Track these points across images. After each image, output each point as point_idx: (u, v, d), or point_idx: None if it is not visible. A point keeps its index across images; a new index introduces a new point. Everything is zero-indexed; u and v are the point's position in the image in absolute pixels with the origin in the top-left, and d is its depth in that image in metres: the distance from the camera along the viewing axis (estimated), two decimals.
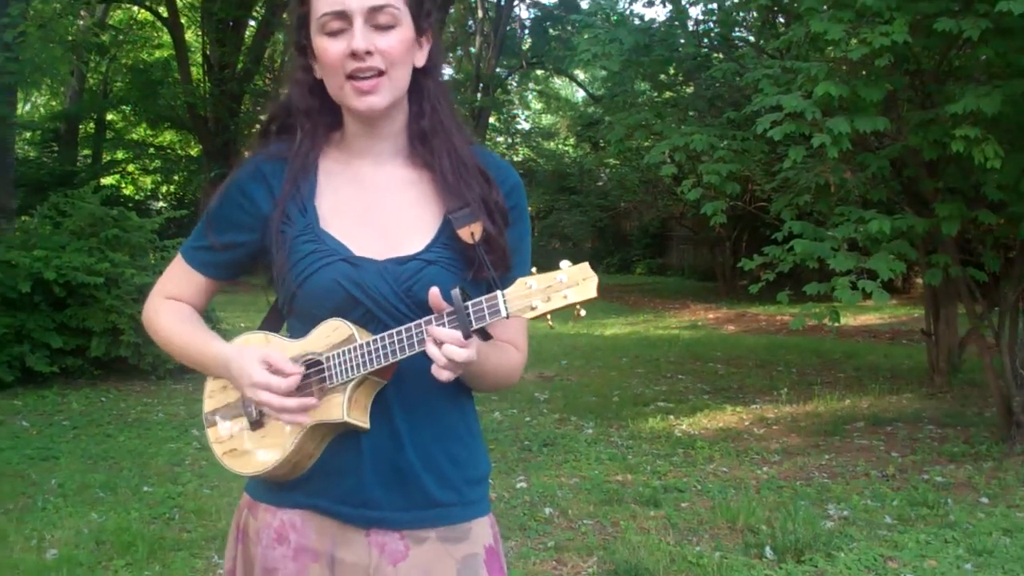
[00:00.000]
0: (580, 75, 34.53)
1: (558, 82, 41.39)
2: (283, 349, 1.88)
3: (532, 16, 34.40)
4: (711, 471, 7.00)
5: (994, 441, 7.68)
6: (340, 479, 1.90)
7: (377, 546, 1.90)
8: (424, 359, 1.73)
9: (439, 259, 1.87)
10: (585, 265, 1.69)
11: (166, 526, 5.64)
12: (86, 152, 29.20)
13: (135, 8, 26.85)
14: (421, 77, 1.96)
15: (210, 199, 2.06)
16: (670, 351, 13.47)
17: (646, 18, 11.32)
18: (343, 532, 1.92)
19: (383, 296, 1.85)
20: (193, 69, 23.28)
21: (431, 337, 1.70)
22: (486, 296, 1.70)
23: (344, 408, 1.80)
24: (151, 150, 30.84)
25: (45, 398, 9.31)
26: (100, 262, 9.97)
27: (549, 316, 1.72)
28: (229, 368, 1.88)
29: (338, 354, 1.80)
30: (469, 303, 1.70)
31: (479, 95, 30.04)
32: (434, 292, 1.71)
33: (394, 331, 1.76)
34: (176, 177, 31.74)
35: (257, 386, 1.79)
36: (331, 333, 1.83)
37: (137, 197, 29.97)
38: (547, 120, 43.09)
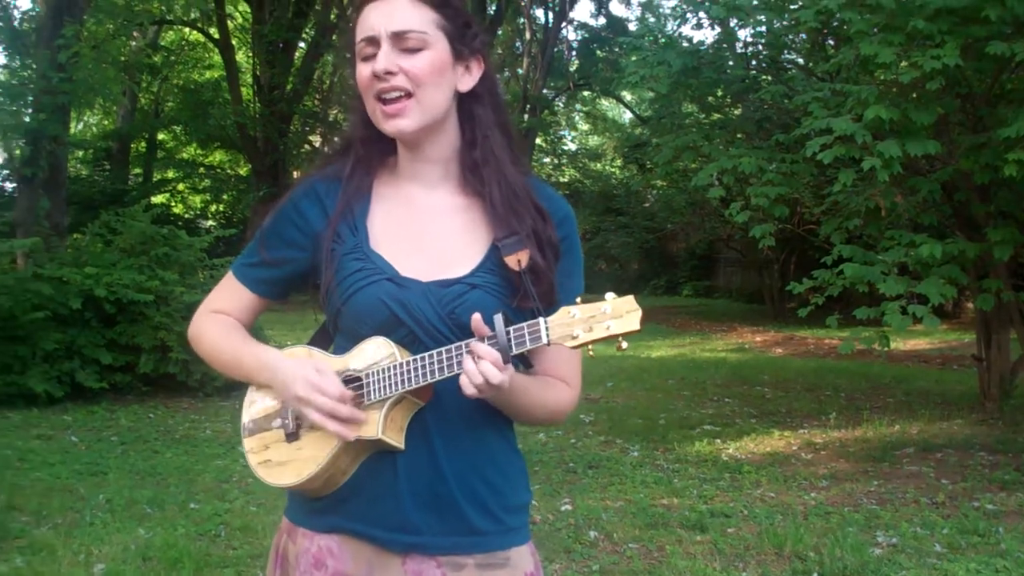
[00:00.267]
0: (627, 96, 34.49)
1: (605, 103, 41.39)
2: (326, 363, 1.89)
3: (580, 38, 34.52)
4: (758, 496, 6.94)
5: None
6: (377, 502, 1.89)
7: (413, 573, 1.89)
8: None
9: (484, 284, 1.88)
10: (630, 298, 1.69)
11: (212, 543, 5.66)
12: (137, 171, 29.61)
13: (187, 29, 27.24)
14: (471, 104, 1.96)
15: (260, 218, 2.10)
16: (717, 374, 13.38)
17: (694, 40, 11.24)
18: (379, 557, 1.91)
19: (426, 317, 1.85)
20: (243, 90, 23.54)
21: (471, 352, 1.70)
22: (528, 322, 1.70)
23: (379, 425, 1.80)
24: (201, 169, 31.19)
25: (94, 414, 9.40)
26: (150, 280, 10.10)
27: (591, 348, 1.71)
28: (277, 373, 1.89)
29: (377, 371, 1.81)
30: (511, 328, 1.70)
31: (526, 116, 30.11)
32: (476, 317, 1.72)
33: (434, 351, 1.76)
34: (225, 196, 32.05)
35: (312, 386, 1.79)
36: (372, 351, 1.84)
37: (187, 216, 30.35)
38: (594, 141, 43.11)
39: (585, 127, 43.62)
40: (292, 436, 1.92)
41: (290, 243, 2.01)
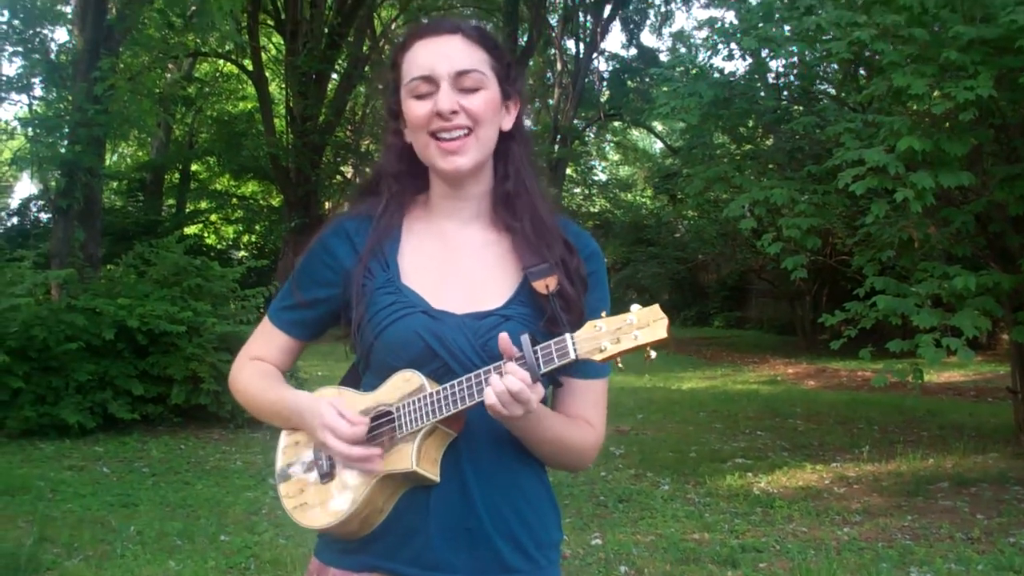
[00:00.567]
0: (658, 126, 34.53)
1: (636, 133, 41.45)
2: (354, 402, 1.90)
3: (611, 68, 34.63)
4: (790, 531, 6.87)
5: None
6: (408, 539, 1.88)
7: None
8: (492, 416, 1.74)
9: (517, 315, 1.89)
10: (655, 307, 1.70)
11: None
12: (171, 202, 29.86)
13: (221, 61, 27.48)
14: (507, 141, 2.01)
15: (292, 253, 2.12)
16: (748, 406, 13.29)
17: (725, 71, 11.22)
18: None
19: (460, 349, 1.86)
20: (276, 121, 23.72)
21: (499, 372, 1.71)
22: (555, 339, 1.71)
23: (413, 457, 1.80)
24: (234, 200, 31.36)
25: (126, 444, 9.45)
26: (183, 311, 10.16)
27: (619, 360, 1.70)
28: (303, 415, 1.91)
29: (408, 403, 1.81)
30: (538, 347, 1.70)
31: (557, 146, 30.18)
32: (503, 337, 1.72)
33: (463, 378, 1.77)
34: (258, 227, 32.21)
35: (326, 427, 1.81)
36: (402, 384, 1.84)
37: (219, 246, 30.51)
38: (624, 171, 43.10)
39: (615, 157, 43.65)
40: (327, 476, 1.92)
41: (322, 283, 2.03)
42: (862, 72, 10.70)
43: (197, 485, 7.93)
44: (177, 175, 29.88)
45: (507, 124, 2.00)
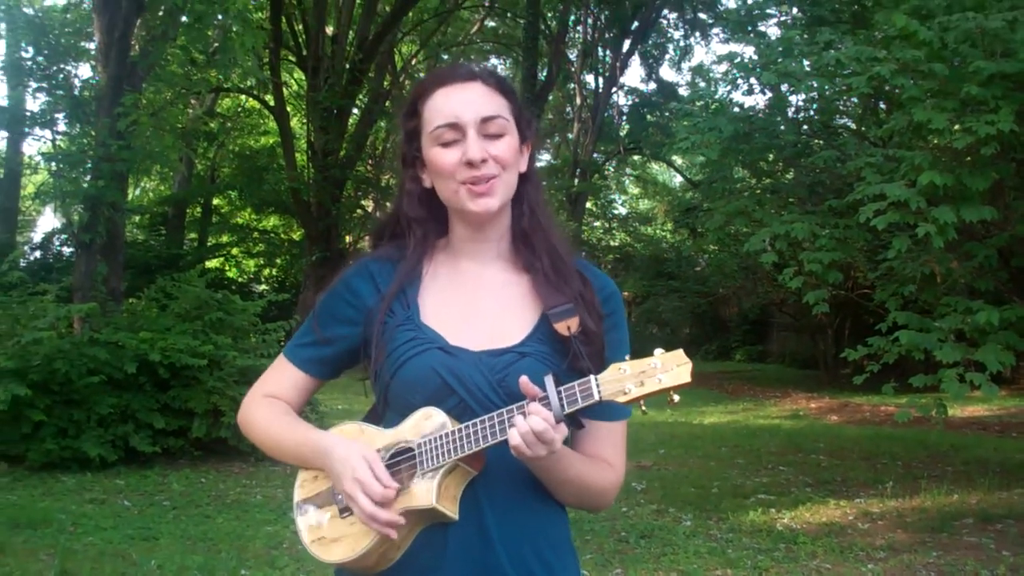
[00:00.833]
0: (678, 160, 34.60)
1: (655, 167, 41.52)
2: (375, 438, 1.90)
3: (630, 102, 34.74)
4: (814, 567, 6.81)
5: None
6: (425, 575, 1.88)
7: None
8: (515, 456, 1.74)
9: (534, 352, 1.90)
10: (679, 351, 1.71)
11: None
12: (192, 236, 30.05)
13: (243, 97, 27.70)
14: (523, 183, 2.04)
15: (311, 283, 2.14)
16: (771, 441, 13.21)
17: (745, 106, 11.26)
18: None
19: (477, 386, 1.87)
20: (298, 155, 23.84)
21: (523, 413, 1.71)
22: (579, 380, 1.71)
23: (434, 494, 1.80)
24: (255, 234, 31.55)
25: (147, 478, 9.46)
26: (204, 344, 10.20)
27: (643, 403, 1.71)
28: (331, 456, 1.89)
29: (429, 440, 1.82)
30: (562, 388, 1.71)
31: (576, 180, 30.26)
32: (524, 379, 1.73)
33: (485, 416, 1.77)
34: (279, 260, 32.37)
35: (358, 481, 1.80)
36: (423, 421, 1.85)
37: (240, 280, 30.66)
38: (644, 205, 43.21)
39: (635, 191, 43.77)
40: (346, 511, 1.92)
41: (343, 320, 2.05)
42: (882, 106, 10.71)
43: (217, 519, 7.93)
44: (199, 209, 30.08)
45: (523, 166, 2.03)
